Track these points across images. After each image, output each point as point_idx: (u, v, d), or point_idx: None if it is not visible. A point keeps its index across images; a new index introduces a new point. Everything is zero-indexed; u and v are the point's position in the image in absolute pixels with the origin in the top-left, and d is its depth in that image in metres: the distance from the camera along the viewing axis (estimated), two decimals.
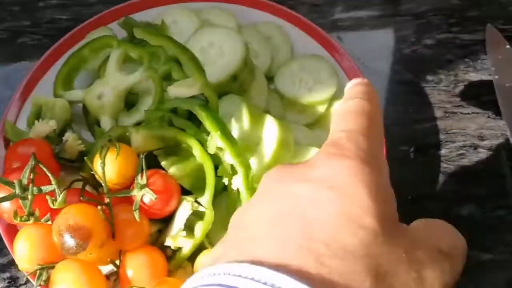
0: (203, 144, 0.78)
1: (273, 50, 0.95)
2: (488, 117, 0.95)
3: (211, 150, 0.77)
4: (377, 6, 1.10)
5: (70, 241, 0.66)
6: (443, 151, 0.92)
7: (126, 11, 0.98)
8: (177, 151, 0.81)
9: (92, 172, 0.76)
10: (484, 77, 1.00)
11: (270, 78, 0.93)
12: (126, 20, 0.94)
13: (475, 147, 0.93)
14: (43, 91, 0.92)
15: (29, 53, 1.05)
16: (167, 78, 0.86)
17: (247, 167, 0.76)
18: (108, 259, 0.74)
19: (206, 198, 0.77)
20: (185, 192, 0.79)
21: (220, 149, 0.77)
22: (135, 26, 0.93)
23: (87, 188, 0.76)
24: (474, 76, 1.00)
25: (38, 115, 0.88)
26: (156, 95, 0.84)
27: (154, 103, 0.84)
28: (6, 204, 0.72)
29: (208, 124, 0.76)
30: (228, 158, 0.76)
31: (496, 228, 0.85)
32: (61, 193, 0.70)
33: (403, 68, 1.01)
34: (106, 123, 0.86)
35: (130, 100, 0.89)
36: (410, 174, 0.90)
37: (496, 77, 0.97)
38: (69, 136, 0.83)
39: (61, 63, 0.92)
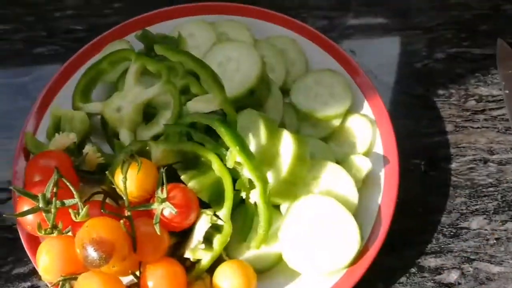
0: (221, 158, 0.80)
1: (288, 64, 0.97)
2: (498, 131, 0.97)
3: (230, 164, 0.78)
4: (388, 19, 1.11)
5: (93, 254, 0.68)
6: (453, 165, 0.94)
7: (143, 23, 1.00)
8: (195, 164, 0.83)
9: (112, 186, 0.78)
10: (495, 91, 1.02)
11: (285, 92, 0.95)
12: (144, 33, 0.95)
13: (485, 161, 0.94)
14: (61, 102, 0.93)
15: (45, 63, 1.07)
16: (185, 92, 0.88)
17: (264, 182, 0.78)
18: (129, 271, 0.75)
19: (224, 212, 0.78)
20: (203, 205, 0.80)
21: (239, 163, 0.79)
22: (152, 39, 0.95)
23: (107, 200, 0.78)
24: (484, 91, 1.02)
25: (57, 126, 0.90)
26: (175, 109, 0.86)
27: (173, 117, 0.85)
28: (30, 217, 0.74)
29: (227, 139, 0.78)
30: (246, 172, 0.78)
31: (505, 240, 0.87)
32: (83, 205, 0.72)
33: (415, 82, 1.03)
34: (125, 136, 0.88)
35: (148, 113, 0.90)
36: (421, 187, 0.92)
37: (507, 91, 0.99)
38: (89, 149, 0.84)
39: (79, 75, 0.94)
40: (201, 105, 0.83)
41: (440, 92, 1.02)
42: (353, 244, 0.77)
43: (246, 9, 1.01)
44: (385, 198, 0.84)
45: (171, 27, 1.00)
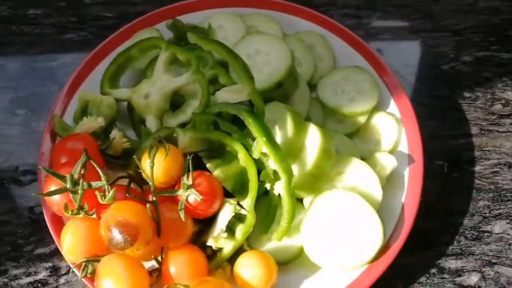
0: (247, 148, 0.80)
1: (316, 59, 0.97)
2: None
3: (256, 155, 0.79)
4: (416, 21, 1.12)
5: (118, 237, 0.68)
6: (477, 168, 0.94)
7: (172, 12, 1.00)
8: (220, 153, 0.83)
9: (138, 170, 0.79)
10: None
11: (311, 87, 0.95)
12: (174, 22, 0.96)
13: (510, 165, 0.94)
14: (88, 87, 0.94)
15: (73, 49, 1.08)
16: (213, 82, 0.89)
17: (290, 174, 0.78)
18: (152, 256, 0.76)
19: (248, 202, 0.79)
20: (226, 194, 0.80)
21: (264, 154, 0.79)
22: (182, 29, 0.96)
23: (131, 185, 0.78)
24: (511, 95, 1.02)
25: (84, 110, 0.90)
26: (203, 99, 0.86)
27: (200, 106, 0.86)
28: (56, 197, 0.74)
29: (254, 129, 0.78)
30: (272, 164, 0.78)
31: None
32: (109, 188, 0.73)
33: (441, 83, 1.03)
34: (151, 122, 0.89)
35: (174, 101, 0.91)
36: (444, 189, 0.92)
37: None
38: (115, 134, 0.85)
39: (108, 61, 0.95)
40: (229, 95, 0.83)
41: (466, 94, 1.02)
42: (376, 240, 0.77)
43: (276, 3, 1.01)
44: (408, 197, 0.84)
45: (200, 18, 1.01)
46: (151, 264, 0.78)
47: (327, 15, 1.02)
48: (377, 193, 0.82)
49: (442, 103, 1.01)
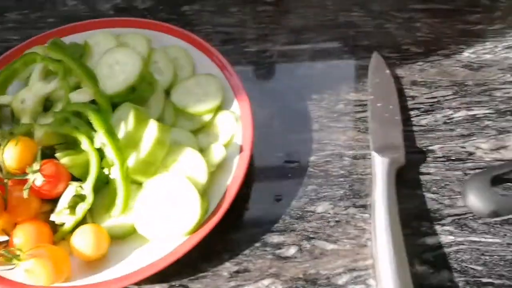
0: (92, 140, 0.95)
1: (177, 68, 1.12)
2: (359, 131, 1.09)
3: (96, 144, 0.93)
4: (280, 35, 1.27)
5: None
6: (312, 158, 1.06)
7: (59, 34, 1.17)
8: (74, 147, 0.98)
9: None
10: (363, 97, 1.14)
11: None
12: (54, 41, 1.13)
13: (341, 155, 1.06)
14: None
15: None
16: (79, 88, 1.04)
17: (122, 160, 0.92)
18: (1, 229, 0.91)
19: (88, 184, 0.93)
20: (76, 179, 0.95)
21: (104, 144, 0.93)
22: (61, 46, 1.12)
23: None
24: (353, 96, 1.15)
25: None
26: (64, 101, 1.02)
27: (62, 107, 1.01)
28: None
29: (95, 123, 0.94)
30: (109, 152, 0.93)
31: (344, 223, 0.98)
32: None
33: (294, 88, 1.17)
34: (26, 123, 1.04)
35: (48, 105, 1.06)
36: (280, 177, 1.04)
37: (371, 97, 1.12)
38: None
39: None
40: (79, 96, 0.99)
41: (314, 96, 1.15)
42: (195, 215, 0.90)
43: (147, 23, 1.18)
44: (233, 181, 0.97)
45: (86, 37, 1.17)
46: (5, 239, 0.92)
47: (202, 33, 1.18)
48: (203, 176, 0.95)
49: (291, 104, 1.15)
